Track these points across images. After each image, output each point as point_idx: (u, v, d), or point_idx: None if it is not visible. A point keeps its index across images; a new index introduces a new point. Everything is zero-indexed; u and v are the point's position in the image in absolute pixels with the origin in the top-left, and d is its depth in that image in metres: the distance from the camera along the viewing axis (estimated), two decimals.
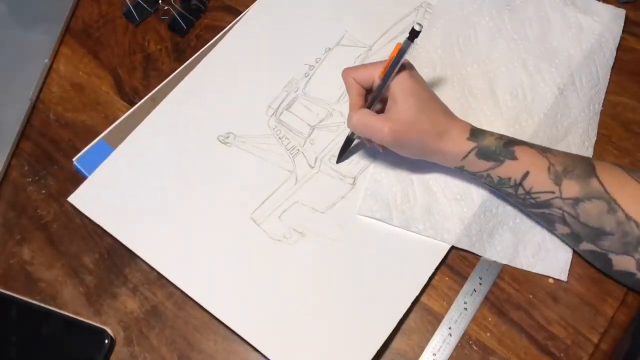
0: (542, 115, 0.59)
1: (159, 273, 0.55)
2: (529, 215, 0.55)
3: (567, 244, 0.54)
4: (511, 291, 0.54)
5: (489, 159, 0.51)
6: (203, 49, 0.64)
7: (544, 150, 0.51)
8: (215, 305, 0.53)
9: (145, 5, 0.67)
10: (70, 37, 0.67)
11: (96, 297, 0.55)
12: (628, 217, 0.47)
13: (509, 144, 0.51)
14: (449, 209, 0.56)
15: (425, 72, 0.60)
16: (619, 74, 0.61)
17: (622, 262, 0.49)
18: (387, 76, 0.51)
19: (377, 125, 0.51)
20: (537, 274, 0.54)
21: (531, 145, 0.52)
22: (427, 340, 0.52)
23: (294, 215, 0.56)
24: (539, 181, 0.50)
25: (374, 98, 0.53)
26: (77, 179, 0.59)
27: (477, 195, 0.56)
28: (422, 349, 0.52)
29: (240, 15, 0.66)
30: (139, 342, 0.54)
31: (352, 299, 0.53)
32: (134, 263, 0.56)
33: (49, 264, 0.57)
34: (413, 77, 0.51)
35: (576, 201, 0.49)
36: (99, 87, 0.63)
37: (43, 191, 0.60)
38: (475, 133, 0.52)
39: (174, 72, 0.64)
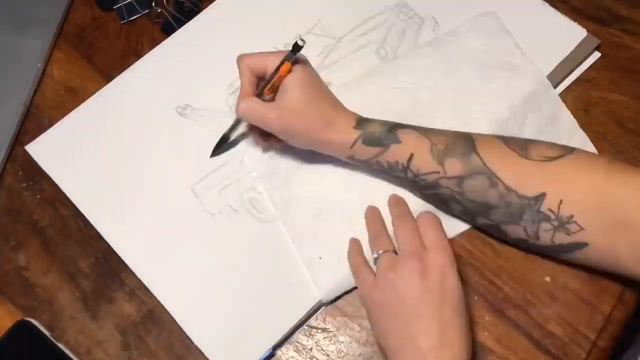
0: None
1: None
2: (427, 199, 0.55)
3: (466, 221, 0.55)
4: (508, 290, 0.54)
5: (375, 144, 0.52)
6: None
7: (426, 131, 0.52)
8: (141, 266, 0.55)
9: (136, 5, 0.66)
10: (63, 41, 0.66)
11: (93, 302, 0.55)
12: (508, 189, 0.48)
13: (393, 128, 0.52)
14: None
15: None
16: (613, 71, 0.61)
17: (514, 231, 0.50)
18: (278, 66, 0.51)
19: (265, 112, 0.52)
20: (534, 271, 0.54)
21: (415, 128, 0.52)
22: None
23: (233, 192, 0.58)
24: (424, 162, 0.51)
25: (263, 86, 0.53)
26: None
27: None
28: None
29: None
30: (137, 346, 0.54)
31: (270, 282, 0.54)
32: (130, 267, 0.56)
33: (45, 269, 0.57)
34: (305, 70, 0.53)
35: (460, 179, 0.50)
36: (93, 91, 0.63)
37: (38, 196, 0.59)
38: (362, 122, 0.53)
39: None
